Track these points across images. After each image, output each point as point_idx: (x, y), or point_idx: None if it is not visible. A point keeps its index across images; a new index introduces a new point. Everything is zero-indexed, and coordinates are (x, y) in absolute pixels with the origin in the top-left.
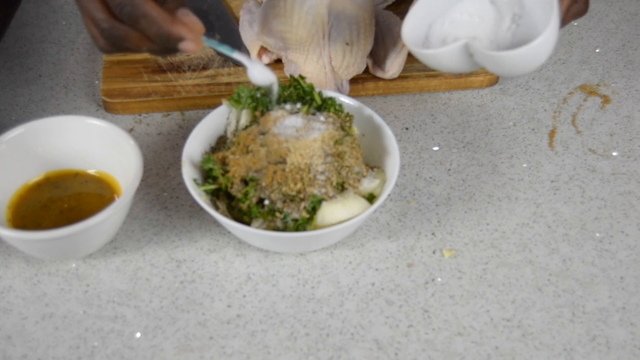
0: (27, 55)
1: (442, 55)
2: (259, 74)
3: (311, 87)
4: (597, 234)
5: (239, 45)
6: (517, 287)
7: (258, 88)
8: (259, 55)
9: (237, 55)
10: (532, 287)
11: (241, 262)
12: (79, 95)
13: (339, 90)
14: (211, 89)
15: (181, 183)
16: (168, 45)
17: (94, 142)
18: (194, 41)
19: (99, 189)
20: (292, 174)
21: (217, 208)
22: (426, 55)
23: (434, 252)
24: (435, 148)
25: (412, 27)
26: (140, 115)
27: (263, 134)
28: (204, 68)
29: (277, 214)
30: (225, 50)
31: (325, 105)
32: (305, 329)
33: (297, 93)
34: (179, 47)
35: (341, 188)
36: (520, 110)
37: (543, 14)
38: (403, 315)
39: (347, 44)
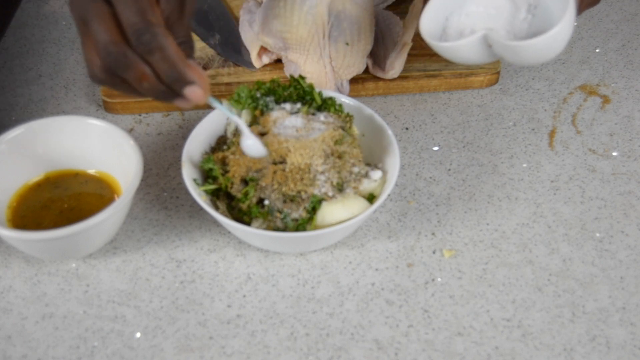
0: (27, 55)
1: (462, 48)
2: (252, 145)
3: (311, 87)
4: (597, 234)
5: (239, 45)
6: (517, 287)
7: (258, 88)
8: (259, 55)
9: (236, 120)
10: (532, 287)
11: (241, 262)
12: (79, 95)
13: (339, 90)
14: (211, 89)
15: (181, 183)
16: (174, 87)
17: (94, 142)
18: (204, 89)
19: (99, 189)
20: (292, 174)
21: (217, 208)
22: (445, 48)
23: (434, 252)
24: (435, 148)
25: (429, 21)
26: (140, 115)
27: (263, 134)
28: (204, 68)
29: (277, 214)
30: (225, 110)
31: (325, 105)
32: (305, 329)
33: (297, 93)
34: (185, 92)
35: (341, 188)
36: (520, 110)
37: (558, 3)
38: (403, 315)
39: (347, 44)
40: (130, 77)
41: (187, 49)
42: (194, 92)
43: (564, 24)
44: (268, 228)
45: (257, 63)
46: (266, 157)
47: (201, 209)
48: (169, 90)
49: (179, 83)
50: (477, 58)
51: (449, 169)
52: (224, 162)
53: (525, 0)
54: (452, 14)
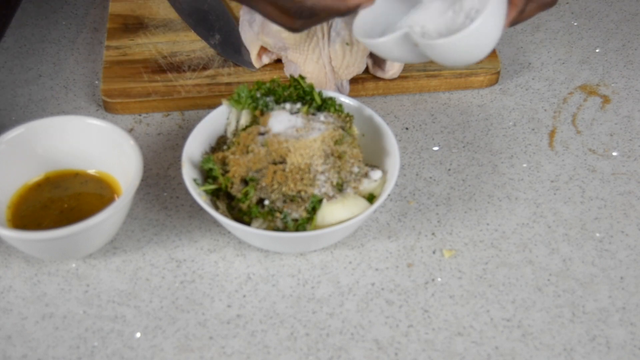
0: (27, 55)
1: (386, 45)
2: None
3: (311, 87)
4: (597, 234)
5: (239, 45)
6: (517, 287)
7: (258, 88)
8: (259, 55)
9: None
10: (532, 287)
11: (241, 262)
12: (79, 95)
13: (339, 90)
14: (211, 89)
15: (181, 183)
16: (348, 4)
17: (94, 142)
18: None
19: (99, 189)
20: (292, 174)
21: (217, 208)
22: (371, 44)
23: (434, 252)
24: (435, 148)
25: (365, 19)
26: (140, 115)
27: (263, 134)
28: (204, 68)
29: (277, 214)
30: None
31: (325, 105)
32: (305, 329)
33: (297, 93)
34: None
35: (341, 188)
36: (520, 110)
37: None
38: (403, 315)
39: (347, 44)
40: (322, 15)
41: None
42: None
43: (483, 21)
44: (268, 228)
45: (257, 63)
46: (266, 156)
47: (201, 209)
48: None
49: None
50: (406, 56)
51: (449, 169)
52: (224, 162)
53: (468, 5)
54: (396, 14)
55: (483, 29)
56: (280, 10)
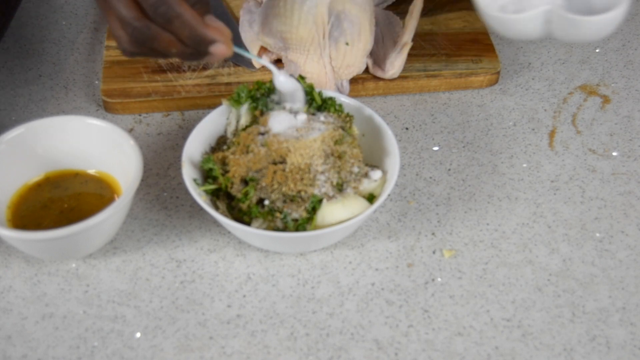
0: (27, 55)
1: (522, 21)
2: (285, 81)
3: (311, 87)
4: (597, 234)
5: (238, 45)
6: (517, 287)
7: (258, 88)
8: (259, 55)
9: (264, 61)
10: (532, 287)
11: (241, 262)
12: (79, 95)
13: (339, 90)
14: (211, 89)
15: (181, 183)
16: (199, 48)
17: (94, 142)
18: (226, 44)
19: (99, 189)
20: (292, 174)
21: (217, 208)
22: (505, 20)
23: (434, 252)
24: (435, 148)
25: None
26: (140, 115)
27: (263, 134)
28: (204, 68)
29: (277, 214)
30: (252, 56)
31: (325, 105)
32: (305, 329)
33: None
34: (210, 50)
35: (341, 188)
36: (520, 110)
37: None
38: (403, 315)
39: (347, 44)
40: (158, 47)
41: (202, 7)
42: (219, 49)
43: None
44: (268, 228)
45: (257, 63)
46: (266, 156)
47: (201, 209)
48: (196, 51)
49: (202, 44)
50: (531, 33)
51: (449, 169)
52: (224, 162)
53: None
54: None
55: (627, 8)
56: (123, 27)
